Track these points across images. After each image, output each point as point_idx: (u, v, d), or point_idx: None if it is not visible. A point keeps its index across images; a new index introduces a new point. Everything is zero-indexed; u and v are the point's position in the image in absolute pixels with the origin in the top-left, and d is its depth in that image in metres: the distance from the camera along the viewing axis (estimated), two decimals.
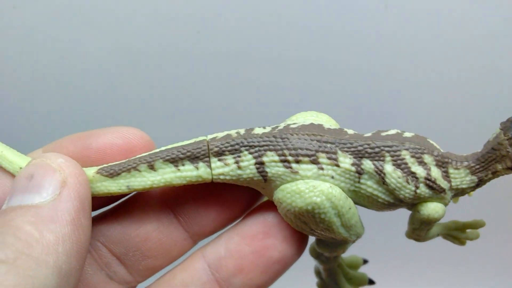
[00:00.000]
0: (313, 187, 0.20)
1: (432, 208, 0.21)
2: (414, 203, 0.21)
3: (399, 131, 0.22)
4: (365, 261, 0.29)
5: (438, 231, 0.24)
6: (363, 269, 0.29)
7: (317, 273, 0.28)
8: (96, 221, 0.21)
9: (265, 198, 0.23)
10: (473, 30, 0.56)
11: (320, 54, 0.57)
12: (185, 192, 0.21)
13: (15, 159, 0.21)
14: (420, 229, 0.22)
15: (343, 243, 0.23)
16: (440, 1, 0.56)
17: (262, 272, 0.20)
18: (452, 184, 0.21)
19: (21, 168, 0.20)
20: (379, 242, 0.54)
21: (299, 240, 0.20)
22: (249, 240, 0.20)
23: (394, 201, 0.21)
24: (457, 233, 0.24)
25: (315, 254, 0.26)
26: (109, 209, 0.22)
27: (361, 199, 0.21)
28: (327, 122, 0.23)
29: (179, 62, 0.57)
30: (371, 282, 0.29)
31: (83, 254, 0.17)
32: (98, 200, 0.21)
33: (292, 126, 0.21)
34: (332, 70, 0.57)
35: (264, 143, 0.20)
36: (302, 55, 0.57)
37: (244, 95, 0.58)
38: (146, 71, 0.58)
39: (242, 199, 0.21)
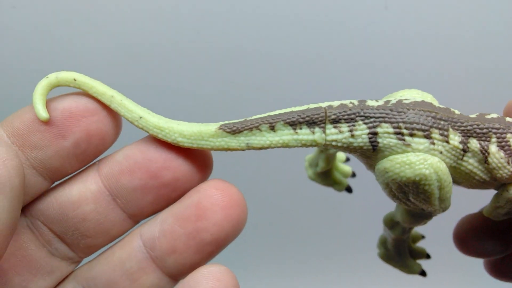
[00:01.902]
0: (423, 159, 0.21)
1: None
2: (506, 183, 0.22)
3: (500, 116, 0.23)
4: (423, 237, 0.30)
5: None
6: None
7: (382, 242, 0.29)
8: (37, 200, 0.21)
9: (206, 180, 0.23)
10: (473, 30, 0.56)
11: (320, 54, 0.57)
12: (122, 174, 0.21)
13: (135, 109, 0.22)
14: (503, 207, 0.23)
15: (429, 216, 0.24)
16: (440, 1, 0.56)
17: (195, 252, 0.20)
18: None
19: (141, 117, 0.21)
20: None
21: (233, 223, 0.20)
22: (182, 222, 0.20)
23: (489, 180, 0.22)
24: None
25: (390, 224, 0.27)
26: (50, 189, 0.22)
27: (458, 175, 0.22)
28: (433, 100, 0.24)
29: (179, 62, 0.57)
30: (423, 273, 0.29)
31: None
32: None
33: (405, 101, 0.22)
34: (332, 69, 0.57)
35: (380, 115, 0.21)
36: (302, 55, 0.57)
37: (244, 95, 0.58)
38: (146, 71, 0.58)
39: (181, 182, 0.21)
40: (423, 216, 0.24)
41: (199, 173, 0.21)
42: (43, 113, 0.20)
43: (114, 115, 0.21)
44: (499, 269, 0.27)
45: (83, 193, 0.21)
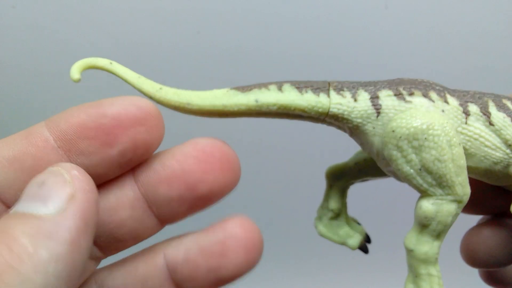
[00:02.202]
0: (427, 111, 0.21)
1: None
2: None
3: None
4: (358, 223, 0.30)
5: None
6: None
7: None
8: None
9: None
10: (473, 30, 0.56)
11: (320, 54, 0.57)
12: (160, 184, 0.21)
13: (152, 83, 0.23)
14: None
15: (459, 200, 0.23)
16: (439, 1, 0.56)
17: (212, 285, 0.21)
18: None
19: (161, 88, 0.22)
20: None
21: (250, 265, 0.21)
22: (205, 257, 0.21)
23: (502, 146, 0.22)
24: None
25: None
26: None
27: (470, 148, 0.22)
28: None
29: (179, 62, 0.57)
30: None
31: (74, 278, 0.16)
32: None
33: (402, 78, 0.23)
34: (332, 69, 0.57)
35: (379, 85, 0.22)
36: (302, 55, 0.57)
37: None
38: (146, 71, 0.57)
39: (214, 194, 0.21)
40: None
41: (229, 184, 0.21)
42: (76, 74, 0.21)
43: (159, 124, 0.21)
44: (494, 276, 0.27)
45: (120, 199, 0.21)
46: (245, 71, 0.57)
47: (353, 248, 0.28)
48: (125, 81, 0.22)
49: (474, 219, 0.28)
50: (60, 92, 0.58)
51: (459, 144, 0.21)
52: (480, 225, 0.26)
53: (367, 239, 0.28)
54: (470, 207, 0.25)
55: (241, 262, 0.20)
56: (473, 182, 0.24)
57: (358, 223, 0.29)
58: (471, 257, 0.26)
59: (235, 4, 0.56)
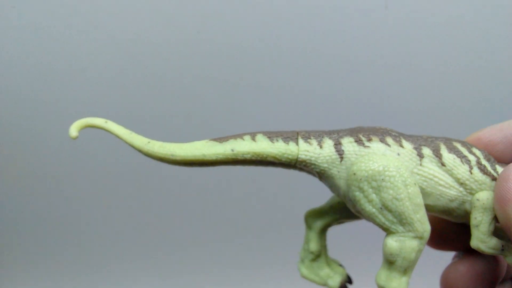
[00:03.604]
0: (383, 155, 0.24)
1: (489, 193, 0.24)
2: (472, 193, 0.24)
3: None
4: (340, 265, 0.32)
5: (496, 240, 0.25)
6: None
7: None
8: None
9: None
10: (473, 30, 0.56)
11: (320, 54, 0.57)
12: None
13: (141, 138, 0.25)
14: (485, 223, 0.24)
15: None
16: (439, 2, 0.56)
17: None
18: None
19: (149, 142, 0.25)
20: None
21: None
22: None
23: (454, 184, 0.24)
24: None
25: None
26: None
27: (426, 187, 0.24)
28: None
29: (179, 62, 0.57)
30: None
31: None
32: None
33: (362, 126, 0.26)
34: (332, 69, 0.57)
35: (342, 133, 0.25)
36: (302, 55, 0.57)
37: (244, 95, 0.58)
38: (146, 71, 0.58)
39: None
40: None
41: None
42: (74, 132, 0.24)
43: None
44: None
45: None
46: (245, 70, 0.57)
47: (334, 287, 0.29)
48: (118, 137, 0.25)
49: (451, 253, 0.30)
50: (60, 91, 0.58)
51: (415, 184, 0.23)
52: (456, 262, 0.28)
53: (349, 280, 0.30)
54: (443, 244, 0.28)
55: None
56: (442, 221, 0.27)
57: (340, 265, 0.30)
58: None
59: (235, 4, 0.56)
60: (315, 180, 0.27)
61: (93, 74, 0.58)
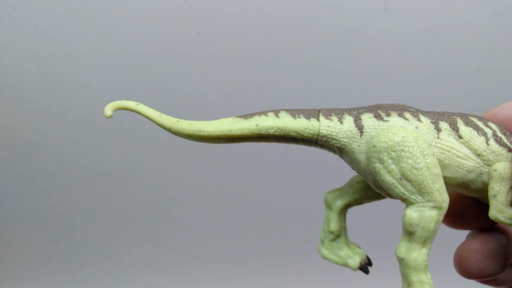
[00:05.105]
0: (402, 127, 0.25)
1: (506, 164, 0.25)
2: (489, 164, 0.25)
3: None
4: (359, 247, 0.32)
5: None
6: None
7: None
8: None
9: None
10: (472, 31, 0.56)
11: (319, 54, 0.57)
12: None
13: (170, 117, 0.26)
14: (502, 194, 0.25)
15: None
16: (438, 2, 0.56)
17: None
18: None
19: (178, 121, 0.25)
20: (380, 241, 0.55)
21: None
22: None
23: (472, 155, 0.25)
24: None
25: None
26: None
27: (444, 160, 0.25)
28: None
29: (179, 63, 0.57)
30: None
31: None
32: None
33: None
34: (331, 69, 0.58)
35: (362, 109, 0.26)
36: (301, 56, 0.57)
37: (244, 95, 0.58)
38: (146, 72, 0.58)
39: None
40: None
41: None
42: (109, 111, 0.25)
43: None
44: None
45: None
46: (246, 71, 0.58)
47: (354, 269, 0.30)
48: (149, 118, 0.26)
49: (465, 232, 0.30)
50: (61, 92, 0.58)
51: (433, 154, 0.24)
52: (469, 239, 0.28)
53: (369, 262, 0.30)
54: (459, 223, 0.29)
55: None
56: (458, 200, 0.28)
57: (359, 247, 0.31)
58: (464, 270, 0.28)
59: (236, 6, 0.56)
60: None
61: (93, 74, 0.58)
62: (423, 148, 0.24)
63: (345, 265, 0.30)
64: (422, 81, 0.58)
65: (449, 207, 0.25)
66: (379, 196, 0.27)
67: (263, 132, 0.25)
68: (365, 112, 0.25)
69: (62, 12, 0.56)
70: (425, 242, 0.24)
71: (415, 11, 0.56)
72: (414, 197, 0.24)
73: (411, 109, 0.26)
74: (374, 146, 0.24)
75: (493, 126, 0.25)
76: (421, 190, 0.24)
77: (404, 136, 0.24)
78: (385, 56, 0.57)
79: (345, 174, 0.30)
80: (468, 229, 0.30)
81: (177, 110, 0.58)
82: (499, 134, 0.25)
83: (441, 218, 0.24)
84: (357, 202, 0.29)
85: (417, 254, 0.24)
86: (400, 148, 0.24)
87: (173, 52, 0.57)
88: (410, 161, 0.24)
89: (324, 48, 0.57)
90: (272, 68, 0.58)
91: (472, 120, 0.25)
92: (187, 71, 0.58)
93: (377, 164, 0.24)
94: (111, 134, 0.58)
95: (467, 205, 0.28)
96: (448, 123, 0.25)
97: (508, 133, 0.25)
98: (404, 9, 0.56)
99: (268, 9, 0.56)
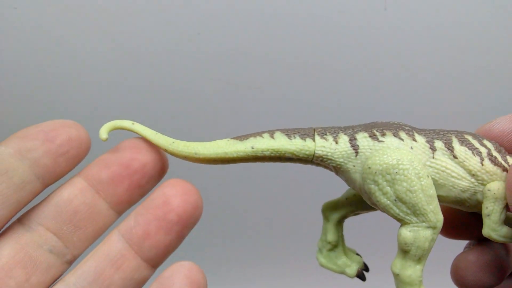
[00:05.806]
0: (397, 149, 0.25)
1: (500, 183, 0.25)
2: (483, 184, 0.25)
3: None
4: (357, 254, 0.32)
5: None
6: None
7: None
8: (35, 206, 0.25)
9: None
10: (472, 31, 0.56)
11: (320, 55, 0.57)
12: (100, 170, 0.25)
13: (166, 138, 0.26)
14: (496, 213, 0.25)
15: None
16: (438, 3, 0.56)
17: (166, 233, 0.24)
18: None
19: (173, 142, 0.26)
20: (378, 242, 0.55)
21: (192, 206, 0.25)
22: (151, 210, 0.24)
23: (466, 176, 0.25)
24: None
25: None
26: (44, 194, 0.26)
27: (438, 179, 0.25)
28: None
29: (179, 63, 0.58)
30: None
31: None
32: None
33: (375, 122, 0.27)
34: (331, 70, 0.58)
35: (356, 128, 0.26)
36: (301, 56, 0.57)
37: (244, 96, 0.58)
38: (147, 72, 0.58)
39: (147, 168, 0.26)
40: None
41: (160, 161, 0.26)
42: (104, 135, 0.26)
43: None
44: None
45: (72, 192, 0.25)
46: (246, 72, 0.58)
47: (351, 276, 0.30)
48: (144, 137, 0.26)
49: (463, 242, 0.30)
50: (61, 93, 0.58)
51: (428, 176, 0.24)
52: (466, 251, 0.29)
53: (365, 268, 0.31)
54: (455, 233, 0.29)
55: (182, 203, 0.25)
56: (455, 211, 0.28)
57: (357, 254, 0.31)
58: (460, 281, 0.29)
59: (236, 6, 0.56)
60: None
61: (93, 75, 0.58)
62: (418, 170, 0.24)
63: (343, 273, 0.30)
64: (422, 81, 0.58)
65: (446, 218, 0.26)
66: (375, 208, 0.27)
67: (258, 154, 0.26)
68: (360, 131, 0.26)
69: (62, 12, 0.56)
70: (419, 259, 0.24)
71: (416, 12, 0.56)
72: (409, 218, 0.24)
73: (406, 128, 0.26)
74: (369, 168, 0.24)
75: (488, 145, 0.25)
76: (416, 211, 0.24)
77: (399, 159, 0.24)
78: (385, 56, 0.57)
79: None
80: (466, 240, 0.30)
81: (177, 110, 0.58)
82: (494, 153, 0.25)
83: (436, 236, 0.24)
84: (354, 213, 0.30)
85: (412, 271, 0.24)
86: (395, 171, 0.24)
87: (173, 52, 0.57)
88: (405, 184, 0.24)
89: (324, 48, 0.57)
90: (272, 68, 0.58)
91: (467, 139, 0.25)
92: (187, 71, 0.58)
93: (372, 186, 0.24)
94: (111, 134, 0.58)
95: (464, 216, 0.29)
96: (443, 142, 0.25)
97: (503, 151, 0.26)
98: (404, 9, 0.56)
99: (268, 9, 0.56)
